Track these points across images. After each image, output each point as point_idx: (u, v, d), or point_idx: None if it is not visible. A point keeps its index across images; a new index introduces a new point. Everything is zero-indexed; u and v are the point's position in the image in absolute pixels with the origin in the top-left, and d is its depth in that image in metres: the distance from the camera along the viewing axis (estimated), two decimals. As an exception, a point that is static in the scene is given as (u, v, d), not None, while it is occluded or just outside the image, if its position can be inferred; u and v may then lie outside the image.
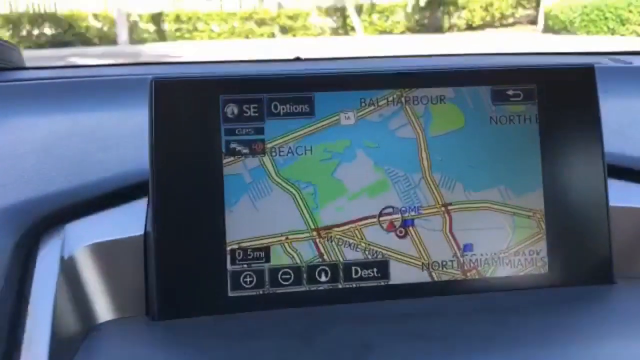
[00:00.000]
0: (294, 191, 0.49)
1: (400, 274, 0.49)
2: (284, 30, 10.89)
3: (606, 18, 8.31)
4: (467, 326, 0.43)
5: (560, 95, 0.51)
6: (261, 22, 11.02)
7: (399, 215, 0.50)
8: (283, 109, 0.49)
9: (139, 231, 0.48)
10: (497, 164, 0.50)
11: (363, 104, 0.49)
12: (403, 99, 0.50)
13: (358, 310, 0.46)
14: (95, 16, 10.63)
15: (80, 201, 0.49)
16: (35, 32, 10.04)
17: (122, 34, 10.56)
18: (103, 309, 0.46)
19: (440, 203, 0.50)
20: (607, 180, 0.50)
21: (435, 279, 0.50)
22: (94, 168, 0.52)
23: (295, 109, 0.49)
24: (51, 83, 0.74)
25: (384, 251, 0.50)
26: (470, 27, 10.29)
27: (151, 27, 11.08)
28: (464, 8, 10.43)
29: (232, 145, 0.48)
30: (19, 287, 0.42)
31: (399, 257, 0.50)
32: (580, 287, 0.49)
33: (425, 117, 0.50)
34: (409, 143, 0.50)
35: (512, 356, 0.39)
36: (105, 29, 10.75)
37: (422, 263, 0.50)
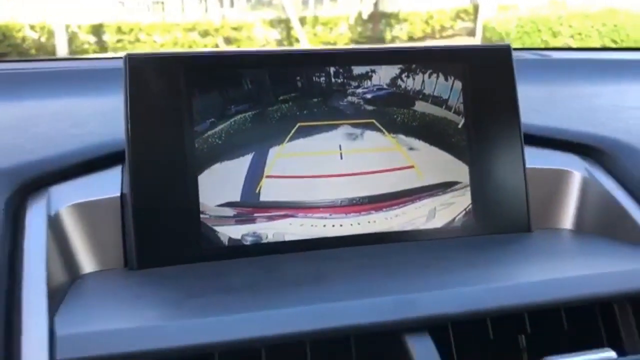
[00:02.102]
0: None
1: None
2: (228, 41, 10.88)
3: (539, 30, 8.67)
4: (405, 259, 0.50)
5: (482, 72, 0.59)
6: (205, 33, 10.98)
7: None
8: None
9: (116, 193, 0.53)
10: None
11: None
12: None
13: (311, 254, 0.53)
14: (32, 27, 10.39)
15: (59, 167, 0.54)
16: (-34, 43, 9.74)
17: (62, 45, 10.34)
18: (86, 262, 0.52)
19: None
20: (523, 146, 0.59)
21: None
22: (69, 141, 0.58)
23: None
24: (20, 73, 0.78)
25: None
26: (411, 38, 10.53)
27: (92, 39, 10.88)
28: (405, 20, 10.68)
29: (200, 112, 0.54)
30: (12, 241, 0.47)
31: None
32: (502, 234, 0.57)
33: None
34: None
35: (445, 279, 0.47)
36: (43, 40, 10.50)
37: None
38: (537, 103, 0.71)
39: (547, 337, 0.50)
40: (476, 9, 10.19)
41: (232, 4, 11.20)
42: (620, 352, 0.47)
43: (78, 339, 0.40)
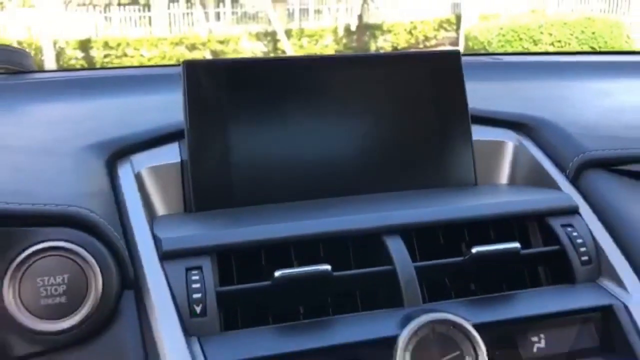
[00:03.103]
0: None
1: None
2: (215, 54, 11.07)
3: (520, 39, 8.95)
4: (386, 196, 0.72)
5: (440, 70, 0.80)
6: (192, 47, 11.14)
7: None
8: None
9: (177, 160, 0.74)
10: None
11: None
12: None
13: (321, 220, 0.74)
14: (20, 43, 10.52)
15: (136, 142, 0.75)
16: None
17: (49, 61, 10.48)
18: (159, 208, 0.72)
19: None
20: (470, 124, 0.80)
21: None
22: (139, 125, 0.78)
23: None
24: (74, 79, 0.99)
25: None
26: (395, 49, 10.79)
27: (79, 54, 11.02)
28: (389, 32, 10.96)
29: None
30: (113, 189, 0.67)
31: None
32: (454, 187, 0.78)
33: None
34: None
35: (412, 205, 0.69)
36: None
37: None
38: (485, 94, 0.93)
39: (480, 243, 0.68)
40: (458, 18, 10.46)
41: (217, 18, 11.40)
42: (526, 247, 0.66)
43: (173, 239, 0.61)
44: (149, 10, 10.86)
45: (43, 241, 0.55)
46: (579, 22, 8.15)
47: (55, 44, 10.64)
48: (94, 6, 10.75)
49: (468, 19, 10.09)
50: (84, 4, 10.69)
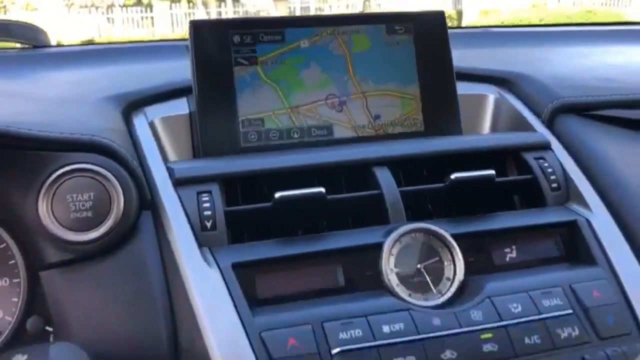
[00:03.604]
0: (275, 85, 0.84)
1: (339, 132, 0.85)
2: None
3: (520, 33, 9.01)
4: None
5: (426, 29, 0.88)
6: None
7: (337, 99, 0.86)
8: (267, 38, 0.84)
9: (186, 111, 0.82)
10: (392, 69, 0.87)
11: (313, 35, 0.86)
12: (336, 32, 0.86)
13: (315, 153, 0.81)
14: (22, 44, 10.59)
15: (149, 95, 0.82)
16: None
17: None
18: (170, 154, 0.80)
19: (360, 91, 0.86)
20: (455, 78, 0.87)
21: (359, 134, 0.85)
22: (152, 81, 0.86)
23: (273, 38, 0.84)
24: (90, 50, 1.07)
25: (329, 120, 0.85)
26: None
27: (83, 55, 11.06)
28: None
29: (238, 59, 0.83)
30: (131, 136, 0.75)
31: (338, 122, 0.86)
32: (441, 135, 0.85)
33: (349, 43, 0.86)
34: (340, 57, 0.86)
35: (400, 143, 0.76)
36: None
37: (351, 125, 0.86)
38: (470, 57, 1.00)
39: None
40: (460, 14, 10.53)
41: (219, 17, 11.47)
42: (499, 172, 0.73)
43: (185, 168, 0.69)
44: (151, 11, 10.94)
45: (72, 163, 0.63)
46: (580, 14, 8.19)
47: (58, 45, 10.73)
48: (97, 8, 10.83)
49: (469, 14, 10.16)
50: (86, 6, 10.78)
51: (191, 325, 0.59)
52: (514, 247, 0.68)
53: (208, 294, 0.59)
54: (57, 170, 0.62)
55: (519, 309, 0.60)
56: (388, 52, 0.87)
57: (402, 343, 0.57)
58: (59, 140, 0.63)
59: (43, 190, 0.62)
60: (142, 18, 10.96)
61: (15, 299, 0.66)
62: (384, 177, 0.69)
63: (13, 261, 0.66)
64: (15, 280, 0.66)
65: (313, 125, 0.84)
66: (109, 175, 0.63)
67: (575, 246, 0.69)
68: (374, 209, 0.69)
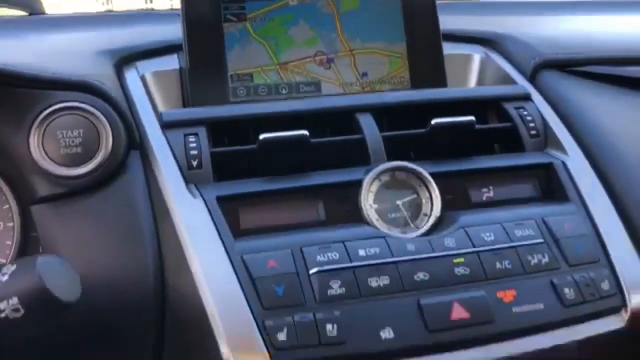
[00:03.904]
0: (264, 42, 0.86)
1: (326, 89, 0.87)
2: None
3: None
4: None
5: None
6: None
7: (325, 56, 0.88)
8: (256, -5, 0.86)
9: (176, 67, 0.84)
10: (380, 27, 0.89)
11: (301, -6, 0.87)
12: (324, -9, 0.88)
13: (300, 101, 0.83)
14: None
15: (141, 51, 0.85)
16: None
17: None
18: (160, 105, 0.82)
19: (348, 49, 0.88)
20: (441, 38, 0.89)
21: (346, 91, 0.87)
22: (144, 39, 0.88)
23: (263, -5, 0.86)
24: (84, 17, 1.10)
25: (317, 76, 0.87)
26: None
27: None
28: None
29: (227, 16, 0.85)
30: (122, 89, 0.77)
31: (326, 79, 0.88)
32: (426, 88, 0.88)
33: (337, 1, 0.88)
34: (329, 15, 0.88)
35: (382, 95, 0.78)
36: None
37: (339, 83, 0.88)
38: (457, 21, 1.02)
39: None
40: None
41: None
42: (481, 122, 0.75)
43: (173, 113, 0.71)
44: (151, 2, 10.96)
45: (63, 101, 0.65)
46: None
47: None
48: None
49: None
50: None
51: (177, 256, 0.61)
52: (491, 187, 0.69)
53: (193, 224, 0.61)
54: (48, 107, 0.64)
55: (492, 237, 0.62)
56: (376, 11, 0.88)
57: (376, 265, 0.59)
58: (51, 79, 0.66)
59: (34, 127, 0.64)
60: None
61: (9, 242, 0.69)
62: (367, 122, 0.71)
63: (7, 206, 0.69)
64: (9, 224, 0.69)
65: (301, 82, 0.86)
66: (98, 113, 0.66)
67: (550, 187, 0.70)
68: (356, 152, 0.71)
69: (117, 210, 0.64)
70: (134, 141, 0.68)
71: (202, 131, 0.69)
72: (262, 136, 0.68)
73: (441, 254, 0.60)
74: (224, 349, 0.55)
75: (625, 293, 0.63)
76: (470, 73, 0.93)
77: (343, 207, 0.65)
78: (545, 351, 0.59)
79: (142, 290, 0.62)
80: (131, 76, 0.80)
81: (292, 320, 0.55)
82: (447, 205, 0.67)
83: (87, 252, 0.63)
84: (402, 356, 0.56)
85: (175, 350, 0.61)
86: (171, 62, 0.85)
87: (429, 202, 0.66)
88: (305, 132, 0.68)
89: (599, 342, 0.61)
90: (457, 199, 0.68)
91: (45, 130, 0.64)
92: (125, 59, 0.82)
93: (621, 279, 0.63)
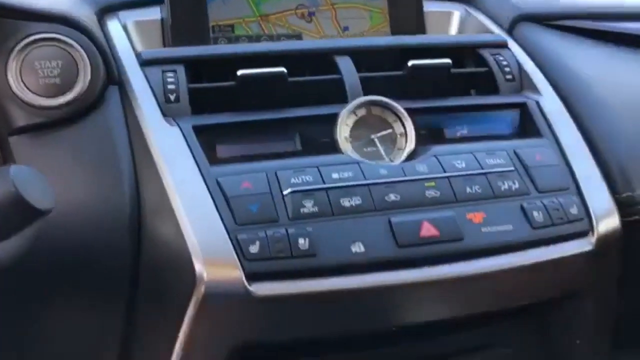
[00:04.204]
0: (245, -7, 0.87)
1: (308, 40, 0.88)
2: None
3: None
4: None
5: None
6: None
7: (307, 9, 0.88)
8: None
9: (158, 17, 0.85)
10: None
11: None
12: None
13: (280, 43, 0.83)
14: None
15: (122, 1, 0.85)
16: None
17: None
18: (141, 47, 0.82)
19: (329, 3, 0.89)
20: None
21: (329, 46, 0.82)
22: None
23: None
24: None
25: (298, 29, 0.88)
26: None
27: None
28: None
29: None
30: (104, 36, 0.77)
31: (307, 32, 0.89)
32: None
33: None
34: (310, -31, 0.89)
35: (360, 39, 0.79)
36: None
37: (320, 36, 0.89)
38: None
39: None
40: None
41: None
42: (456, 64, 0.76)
43: (152, 51, 0.72)
44: None
45: (42, 32, 0.66)
46: None
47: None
48: None
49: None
50: None
51: (153, 182, 0.62)
52: (465, 125, 0.70)
53: (169, 151, 0.62)
54: (27, 37, 0.65)
55: (463, 164, 0.63)
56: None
57: (349, 187, 0.60)
58: (30, 9, 0.66)
59: (12, 56, 0.64)
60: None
61: None
62: (345, 64, 0.72)
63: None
64: None
65: (282, 34, 0.87)
66: (77, 46, 0.66)
67: (524, 125, 0.72)
68: (334, 92, 0.71)
69: (95, 141, 0.65)
70: (112, 76, 0.69)
71: (181, 69, 0.70)
72: (240, 72, 0.68)
73: (413, 177, 0.61)
74: (198, 265, 0.56)
75: (593, 218, 0.64)
76: (450, 29, 0.94)
77: (319, 139, 0.66)
78: (513, 270, 0.60)
79: (119, 218, 0.62)
80: (113, 23, 0.80)
81: (265, 235, 0.56)
82: (422, 141, 0.68)
83: (65, 181, 0.64)
84: (373, 270, 0.57)
85: (150, 276, 0.62)
86: (153, 13, 0.86)
87: (404, 137, 0.67)
88: (283, 70, 0.69)
89: (566, 264, 0.62)
90: (431, 135, 0.69)
91: (23, 60, 0.65)
92: (107, 7, 0.83)
93: (589, 205, 0.64)
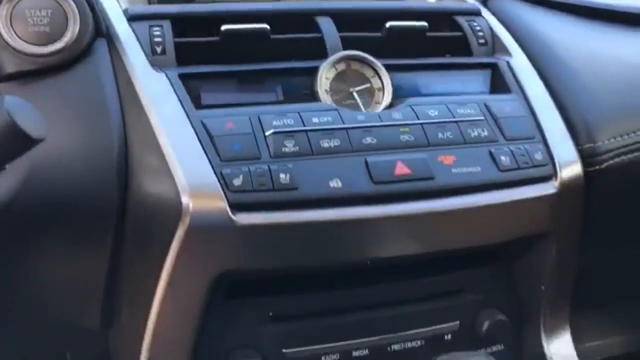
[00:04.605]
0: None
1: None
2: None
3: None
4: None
5: None
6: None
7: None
8: None
9: None
10: None
11: None
12: None
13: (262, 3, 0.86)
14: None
15: None
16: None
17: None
18: (124, 3, 0.84)
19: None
20: None
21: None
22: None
23: None
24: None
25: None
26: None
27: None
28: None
29: None
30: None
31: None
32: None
33: None
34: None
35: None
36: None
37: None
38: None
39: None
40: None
41: None
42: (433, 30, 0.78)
43: (138, 8, 0.74)
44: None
45: (32, -18, 0.68)
46: None
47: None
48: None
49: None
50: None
51: (141, 125, 0.64)
52: (440, 83, 0.74)
53: (156, 96, 0.65)
54: (17, -16, 0.67)
55: (436, 113, 0.67)
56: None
57: (329, 129, 0.63)
58: None
59: (3, 4, 0.66)
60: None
61: None
62: (326, 23, 0.75)
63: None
64: None
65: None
66: None
67: (494, 84, 0.75)
68: (314, 50, 0.74)
69: (83, 88, 0.67)
70: (100, 30, 0.71)
71: (167, 24, 0.73)
72: (224, 27, 0.71)
73: (389, 123, 0.65)
74: (184, 197, 0.58)
75: (557, 164, 0.68)
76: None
77: (300, 91, 0.69)
78: (481, 209, 0.64)
79: (107, 156, 0.64)
80: None
81: (248, 170, 0.59)
82: (398, 94, 0.71)
83: (54, 128, 0.66)
84: (350, 204, 0.60)
85: (137, 211, 0.64)
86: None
87: (381, 92, 0.71)
88: (266, 26, 0.72)
89: (531, 205, 0.66)
90: (407, 88, 0.72)
91: (14, 8, 0.67)
92: None
93: (553, 153, 0.69)
